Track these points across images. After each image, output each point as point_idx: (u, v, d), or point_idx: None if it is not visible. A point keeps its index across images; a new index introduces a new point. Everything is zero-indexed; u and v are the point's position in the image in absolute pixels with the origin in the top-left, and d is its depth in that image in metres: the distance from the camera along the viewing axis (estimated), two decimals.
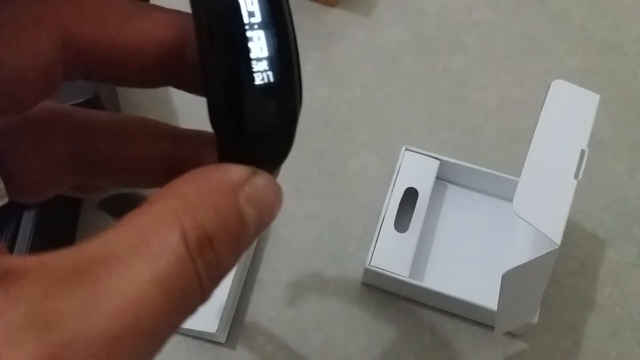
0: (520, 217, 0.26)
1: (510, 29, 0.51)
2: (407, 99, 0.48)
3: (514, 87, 0.49)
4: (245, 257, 0.41)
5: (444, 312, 0.40)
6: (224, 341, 0.39)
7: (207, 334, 0.37)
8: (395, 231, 0.39)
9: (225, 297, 0.37)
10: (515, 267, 0.27)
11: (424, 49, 0.50)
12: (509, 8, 0.52)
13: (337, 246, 0.43)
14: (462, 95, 0.48)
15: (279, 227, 0.43)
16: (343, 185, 0.44)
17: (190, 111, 0.47)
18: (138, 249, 0.11)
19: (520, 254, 0.40)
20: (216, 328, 0.36)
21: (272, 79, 0.13)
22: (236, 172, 0.14)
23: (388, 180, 0.41)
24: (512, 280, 0.28)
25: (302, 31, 0.52)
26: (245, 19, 0.13)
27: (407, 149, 0.42)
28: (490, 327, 0.39)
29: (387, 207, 0.40)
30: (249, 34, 0.13)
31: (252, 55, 0.13)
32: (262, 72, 0.13)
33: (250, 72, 0.13)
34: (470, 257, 0.41)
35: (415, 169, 0.41)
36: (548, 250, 0.26)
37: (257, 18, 0.13)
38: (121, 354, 0.11)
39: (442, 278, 0.40)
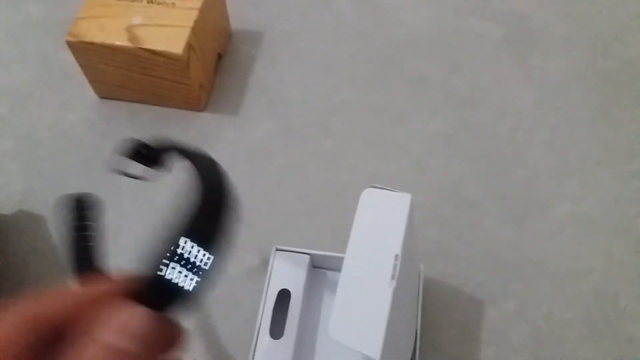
0: (337, 341, 0.27)
1: (372, 103, 0.54)
2: (282, 192, 0.49)
3: (381, 162, 0.51)
4: None
5: None
6: None
7: None
8: (271, 339, 0.40)
9: None
10: None
11: (293, 138, 0.52)
12: (370, 83, 0.55)
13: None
14: (333, 178, 0.50)
15: None
16: (225, 293, 0.45)
17: None
18: None
19: None
20: None
21: None
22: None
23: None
24: None
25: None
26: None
27: (277, 249, 0.43)
28: None
29: (262, 315, 0.40)
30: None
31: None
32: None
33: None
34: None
35: (287, 268, 0.42)
36: None
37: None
38: None
39: None
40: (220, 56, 0.55)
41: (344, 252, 0.42)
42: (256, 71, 0.56)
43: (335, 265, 0.44)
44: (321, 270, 0.45)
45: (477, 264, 0.46)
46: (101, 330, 0.18)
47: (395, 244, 0.30)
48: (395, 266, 0.30)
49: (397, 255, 0.30)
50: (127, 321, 0.18)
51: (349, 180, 0.50)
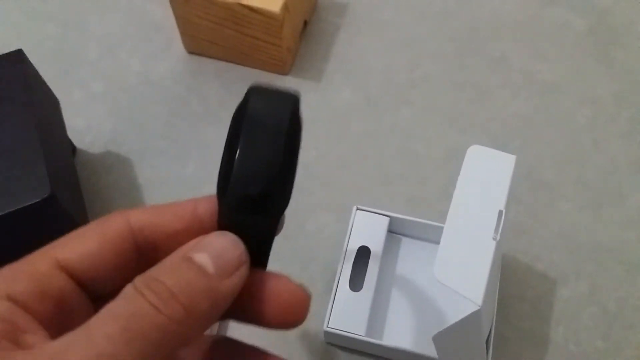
0: (441, 282, 0.28)
1: (453, 80, 0.54)
2: (359, 157, 0.50)
3: (459, 137, 0.51)
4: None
5: None
6: None
7: None
8: (350, 290, 0.41)
9: None
10: (443, 330, 0.29)
11: (372, 107, 0.53)
12: (451, 60, 0.55)
13: None
14: (410, 149, 0.51)
15: None
16: (302, 247, 0.46)
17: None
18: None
19: None
20: None
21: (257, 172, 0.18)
22: (191, 241, 0.18)
23: (345, 239, 0.43)
24: (444, 340, 0.30)
25: None
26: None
27: (357, 209, 0.44)
28: None
29: (342, 267, 0.41)
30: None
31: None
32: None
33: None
34: (426, 309, 0.42)
35: (367, 228, 0.43)
36: (471, 312, 0.28)
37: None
38: None
39: (400, 332, 0.41)
40: (305, 23, 0.57)
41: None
42: (339, 41, 0.57)
43: (411, 231, 0.45)
44: (396, 235, 0.46)
45: (551, 244, 0.46)
46: (187, 245, 0.18)
47: (499, 200, 0.31)
48: (499, 221, 0.31)
49: (501, 212, 0.31)
50: (212, 241, 0.18)
51: (425, 153, 0.50)
